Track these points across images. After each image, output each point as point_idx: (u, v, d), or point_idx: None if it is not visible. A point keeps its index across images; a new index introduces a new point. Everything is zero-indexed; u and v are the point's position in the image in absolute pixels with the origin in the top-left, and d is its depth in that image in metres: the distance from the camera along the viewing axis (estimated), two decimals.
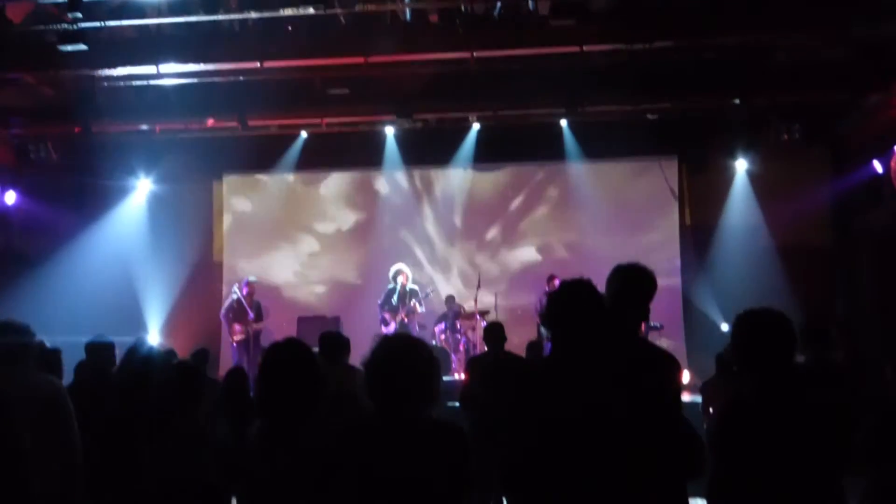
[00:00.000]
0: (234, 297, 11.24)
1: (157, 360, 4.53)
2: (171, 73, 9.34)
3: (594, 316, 2.96)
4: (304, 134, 11.63)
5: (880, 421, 4.10)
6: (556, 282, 9.55)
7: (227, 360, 11.40)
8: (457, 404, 6.71)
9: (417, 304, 10.92)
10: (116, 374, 4.89)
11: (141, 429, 3.49)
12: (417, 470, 2.60)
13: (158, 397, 3.58)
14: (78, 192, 12.06)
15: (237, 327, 11.14)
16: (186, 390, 3.67)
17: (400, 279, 10.96)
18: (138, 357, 4.84)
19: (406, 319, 10.87)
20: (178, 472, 3.41)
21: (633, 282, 3.33)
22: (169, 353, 5.99)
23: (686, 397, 7.54)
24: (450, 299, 11.07)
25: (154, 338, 11.40)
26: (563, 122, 11.13)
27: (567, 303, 3.00)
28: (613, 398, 2.81)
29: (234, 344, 11.16)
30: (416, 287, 11.03)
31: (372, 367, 2.72)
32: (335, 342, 5.51)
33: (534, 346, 7.16)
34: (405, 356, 2.70)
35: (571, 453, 2.77)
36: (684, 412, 3.08)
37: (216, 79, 9.98)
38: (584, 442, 2.77)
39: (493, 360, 6.60)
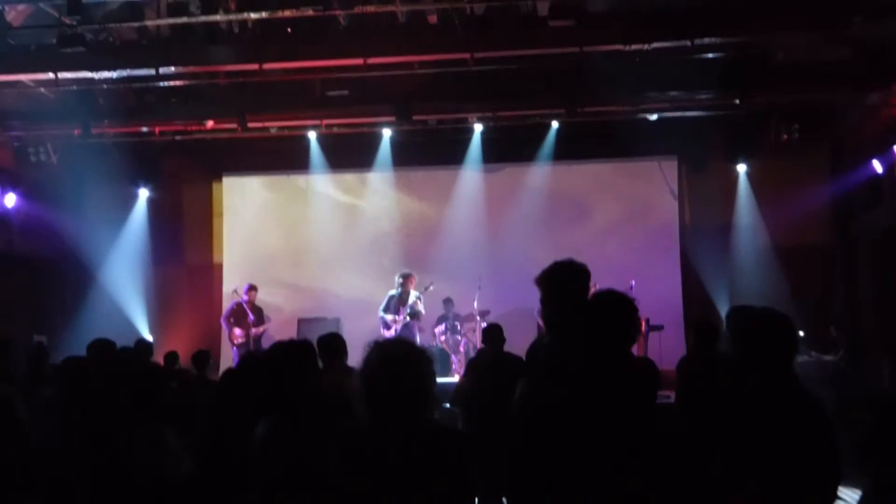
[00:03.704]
0: (236, 301, 11.28)
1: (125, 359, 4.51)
2: (170, 74, 9.34)
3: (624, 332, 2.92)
4: (311, 135, 11.58)
5: (879, 420, 4.09)
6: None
7: (227, 362, 11.39)
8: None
9: (419, 304, 10.85)
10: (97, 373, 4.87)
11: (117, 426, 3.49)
12: (417, 476, 2.58)
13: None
14: (77, 195, 12.06)
15: (237, 331, 11.16)
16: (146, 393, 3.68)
17: (405, 285, 10.83)
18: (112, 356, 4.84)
19: (409, 321, 10.81)
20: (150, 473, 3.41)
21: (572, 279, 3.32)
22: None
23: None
24: (448, 301, 11.02)
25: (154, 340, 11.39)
26: (554, 124, 11.10)
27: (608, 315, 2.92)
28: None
29: (234, 348, 11.19)
30: (417, 291, 10.95)
31: (365, 375, 2.68)
32: (333, 344, 5.48)
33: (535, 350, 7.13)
34: (398, 363, 2.65)
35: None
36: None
37: (215, 80, 9.99)
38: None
39: (492, 360, 6.60)
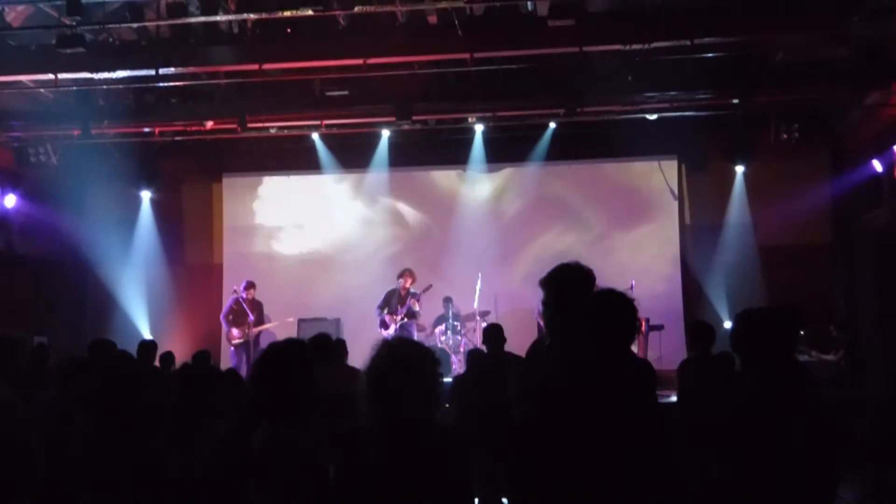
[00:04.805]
0: (235, 298, 11.25)
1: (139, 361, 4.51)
2: (170, 75, 9.34)
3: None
4: (315, 136, 11.59)
5: (880, 420, 4.10)
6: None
7: (227, 362, 11.37)
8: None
9: (416, 304, 10.83)
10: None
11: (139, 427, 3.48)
12: (419, 475, 2.58)
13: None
14: (77, 195, 12.06)
15: (235, 332, 11.12)
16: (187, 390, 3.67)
17: (402, 281, 10.88)
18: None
19: (406, 320, 10.82)
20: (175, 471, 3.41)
21: (577, 282, 3.32)
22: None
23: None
24: (447, 301, 11.02)
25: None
26: (552, 125, 11.08)
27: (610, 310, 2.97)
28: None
29: (232, 348, 11.15)
30: (416, 290, 10.96)
31: (372, 372, 2.69)
32: (323, 344, 5.48)
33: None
34: (406, 361, 2.67)
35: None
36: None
37: (216, 80, 9.99)
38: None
39: (490, 360, 6.60)
